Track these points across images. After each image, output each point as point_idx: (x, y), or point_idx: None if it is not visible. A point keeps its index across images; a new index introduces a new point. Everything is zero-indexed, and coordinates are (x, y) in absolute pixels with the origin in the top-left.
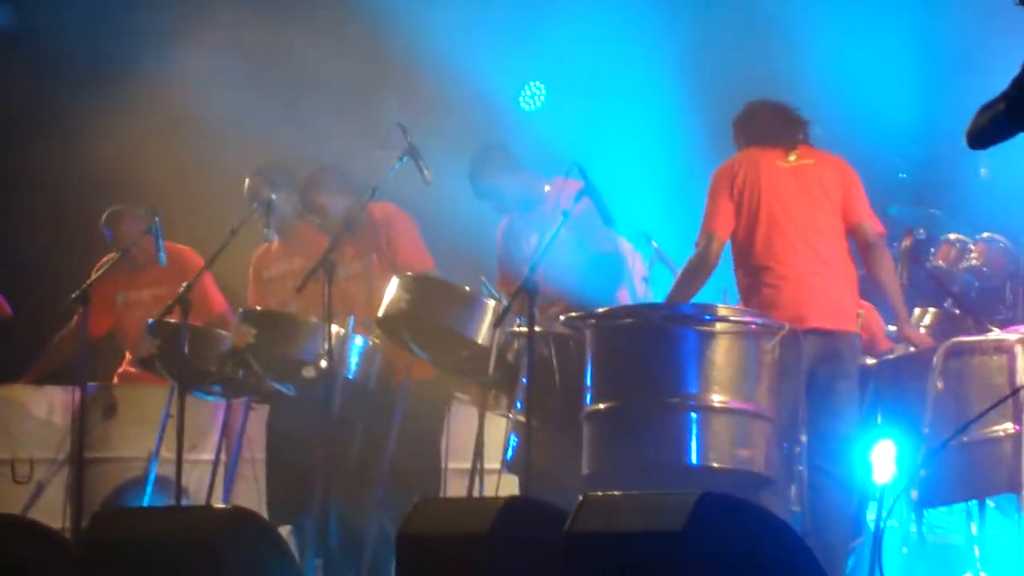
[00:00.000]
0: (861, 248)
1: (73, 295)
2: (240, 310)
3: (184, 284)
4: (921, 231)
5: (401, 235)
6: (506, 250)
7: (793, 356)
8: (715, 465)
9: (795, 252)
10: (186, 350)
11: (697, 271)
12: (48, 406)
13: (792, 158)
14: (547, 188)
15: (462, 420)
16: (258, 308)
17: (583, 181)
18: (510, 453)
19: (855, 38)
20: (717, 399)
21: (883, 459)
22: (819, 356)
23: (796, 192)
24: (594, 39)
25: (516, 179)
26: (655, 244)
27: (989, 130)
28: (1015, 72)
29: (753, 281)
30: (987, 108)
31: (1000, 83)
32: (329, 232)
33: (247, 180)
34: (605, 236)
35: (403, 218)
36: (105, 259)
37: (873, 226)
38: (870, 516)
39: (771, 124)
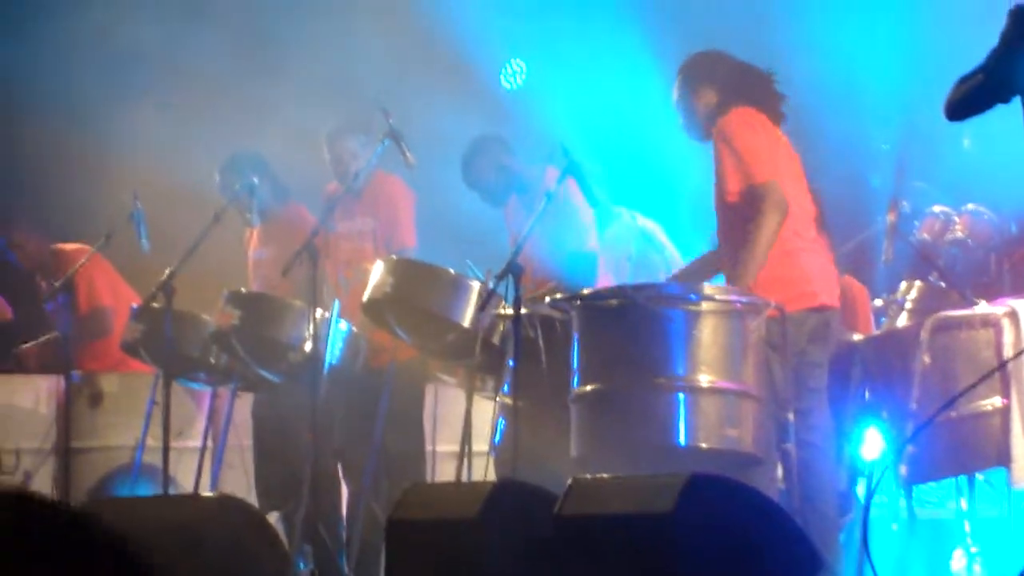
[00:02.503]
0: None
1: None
2: (225, 292)
3: (168, 271)
4: (905, 204)
5: (403, 210)
6: (511, 223)
7: (779, 333)
8: (704, 446)
9: (804, 232)
10: (170, 337)
11: (777, 229)
12: (34, 396)
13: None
14: (549, 172)
15: (449, 403)
16: (242, 290)
17: (566, 160)
18: (498, 436)
19: (837, 8)
20: (704, 379)
21: (871, 435)
22: (821, 333)
23: (796, 170)
24: (575, 15)
25: (510, 164)
26: (642, 221)
27: (967, 102)
28: (994, 44)
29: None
30: (965, 80)
31: (979, 55)
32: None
33: (218, 172)
34: (583, 221)
35: (408, 194)
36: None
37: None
38: (859, 492)
39: (760, 87)
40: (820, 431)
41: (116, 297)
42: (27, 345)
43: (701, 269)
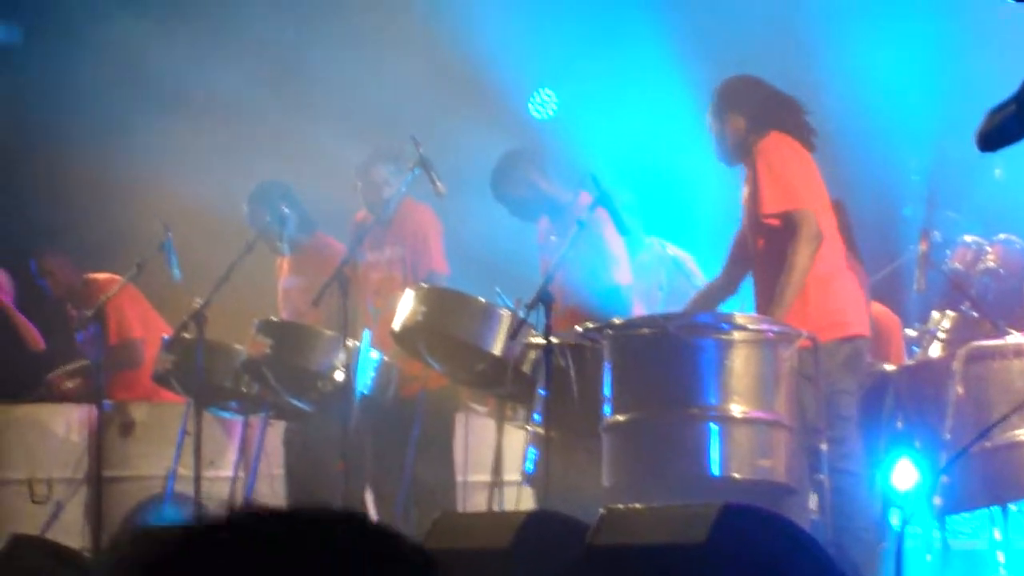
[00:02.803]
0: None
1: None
2: (256, 321)
3: (199, 301)
4: (937, 234)
5: (432, 238)
6: (544, 247)
7: (811, 363)
8: (737, 476)
9: (838, 259)
10: (202, 367)
11: (814, 255)
12: (65, 425)
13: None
14: (583, 197)
15: (480, 432)
16: (274, 319)
17: (596, 191)
18: (529, 466)
19: (868, 39)
20: (737, 409)
21: (904, 465)
22: (853, 362)
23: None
24: (606, 44)
25: (543, 184)
26: (672, 250)
27: (999, 133)
28: None
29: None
30: (997, 111)
31: (1011, 85)
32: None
33: (246, 202)
34: (614, 252)
35: (436, 222)
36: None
37: None
38: (892, 522)
39: (791, 113)
40: (854, 458)
41: (146, 328)
42: (58, 373)
43: (705, 303)
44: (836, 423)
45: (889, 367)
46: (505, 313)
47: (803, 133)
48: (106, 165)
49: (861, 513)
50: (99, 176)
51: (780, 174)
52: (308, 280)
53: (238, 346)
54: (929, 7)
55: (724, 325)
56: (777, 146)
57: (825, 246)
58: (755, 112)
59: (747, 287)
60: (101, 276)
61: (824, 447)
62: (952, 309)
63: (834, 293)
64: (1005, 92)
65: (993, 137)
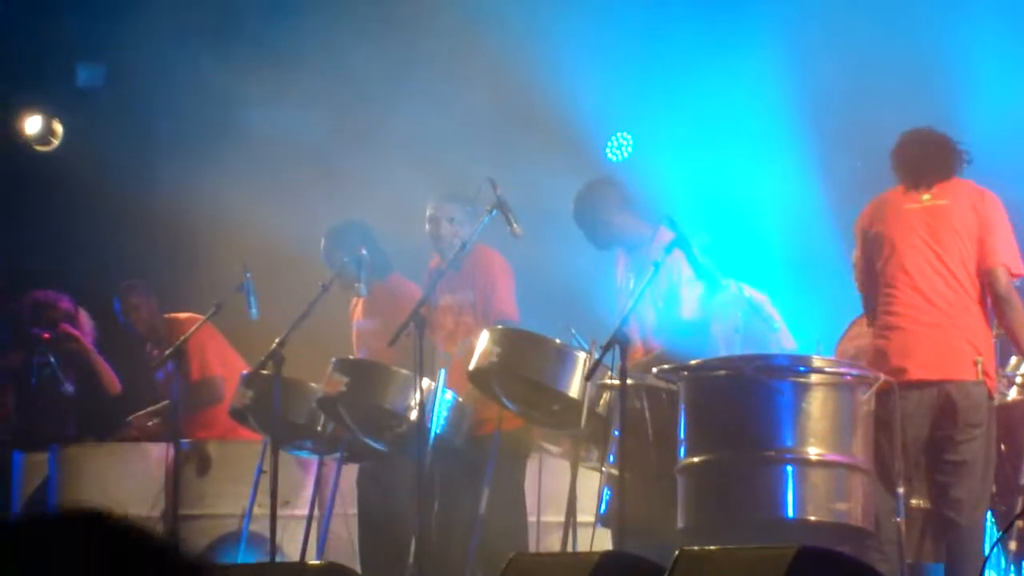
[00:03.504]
0: (991, 298)
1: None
2: (333, 359)
3: (277, 339)
4: None
5: (501, 282)
6: (622, 285)
7: (890, 407)
8: (812, 518)
9: (911, 302)
10: (279, 404)
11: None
12: (144, 463)
13: (926, 197)
14: (662, 232)
15: (554, 473)
16: (350, 357)
17: (674, 233)
18: (603, 507)
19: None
20: (813, 452)
21: None
22: (930, 408)
23: (922, 237)
24: (682, 88)
25: (623, 217)
26: (748, 292)
27: None
28: None
29: (873, 331)
30: None
31: None
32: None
33: (324, 240)
34: (690, 294)
35: (506, 267)
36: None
37: (1006, 272)
38: None
39: (915, 158)
40: (963, 506)
41: (226, 366)
42: (140, 414)
43: None
44: (942, 467)
45: None
46: (580, 354)
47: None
48: (186, 206)
49: (968, 559)
50: (180, 216)
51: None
52: (383, 322)
53: (314, 385)
54: None
55: (801, 367)
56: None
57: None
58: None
59: (811, 326)
60: (182, 315)
61: (901, 491)
62: None
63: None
64: None
65: None
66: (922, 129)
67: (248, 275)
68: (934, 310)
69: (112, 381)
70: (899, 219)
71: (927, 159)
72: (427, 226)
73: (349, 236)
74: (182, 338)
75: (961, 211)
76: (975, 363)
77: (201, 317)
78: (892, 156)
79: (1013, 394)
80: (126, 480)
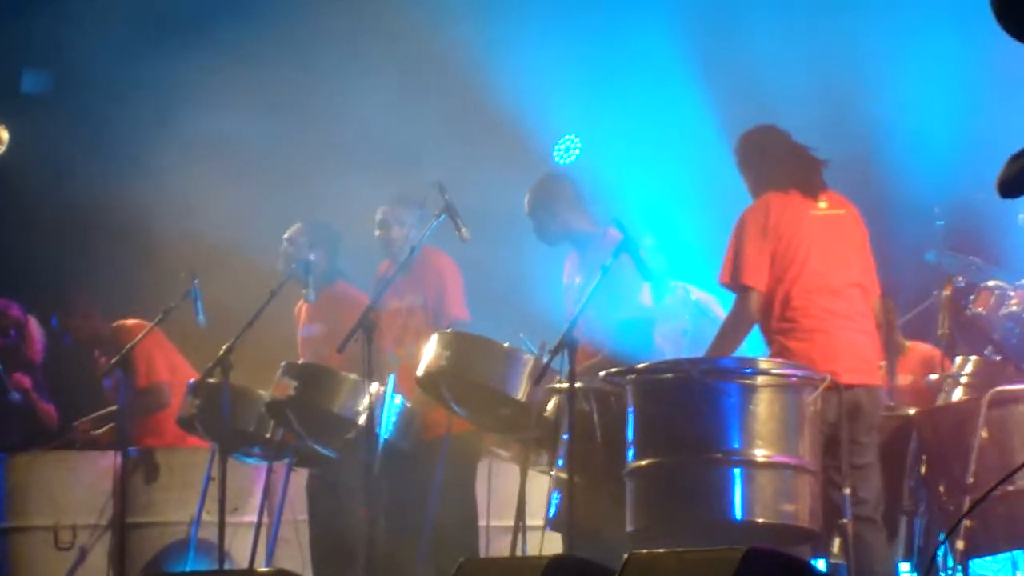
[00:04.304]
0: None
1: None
2: (283, 363)
3: (225, 346)
4: (960, 278)
5: (451, 284)
6: (568, 283)
7: (834, 408)
8: (760, 520)
9: (829, 307)
10: (228, 411)
11: (738, 328)
12: (91, 471)
13: (823, 205)
14: (611, 233)
15: (504, 477)
16: (299, 361)
17: (621, 236)
18: (553, 510)
19: (894, 85)
20: (760, 453)
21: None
22: (848, 411)
23: (832, 244)
24: (630, 90)
25: (574, 213)
26: (696, 294)
27: (1020, 178)
28: None
29: (784, 335)
30: (1018, 157)
31: None
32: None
33: (284, 242)
34: (636, 295)
35: (455, 269)
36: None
37: (874, 286)
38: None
39: (791, 165)
40: (869, 505)
41: (173, 372)
42: (85, 420)
43: None
44: (855, 472)
45: (912, 411)
46: (529, 358)
47: (810, 181)
48: (133, 211)
49: (878, 559)
50: (127, 222)
51: (739, 248)
52: (329, 327)
53: (263, 392)
54: (952, 54)
55: (747, 369)
56: (751, 218)
57: (817, 291)
58: (761, 170)
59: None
60: (129, 322)
61: (847, 492)
62: (975, 353)
63: (821, 343)
64: None
65: (1014, 183)
66: (773, 132)
67: (196, 281)
68: (847, 316)
69: (51, 417)
70: (810, 224)
71: (806, 166)
72: (377, 231)
73: (313, 236)
74: (129, 345)
75: (855, 222)
76: (879, 368)
77: (148, 324)
78: (755, 159)
79: (959, 394)
80: (74, 488)
